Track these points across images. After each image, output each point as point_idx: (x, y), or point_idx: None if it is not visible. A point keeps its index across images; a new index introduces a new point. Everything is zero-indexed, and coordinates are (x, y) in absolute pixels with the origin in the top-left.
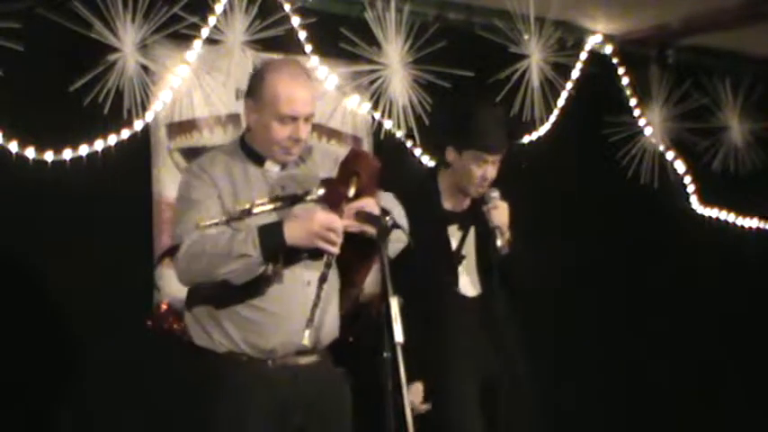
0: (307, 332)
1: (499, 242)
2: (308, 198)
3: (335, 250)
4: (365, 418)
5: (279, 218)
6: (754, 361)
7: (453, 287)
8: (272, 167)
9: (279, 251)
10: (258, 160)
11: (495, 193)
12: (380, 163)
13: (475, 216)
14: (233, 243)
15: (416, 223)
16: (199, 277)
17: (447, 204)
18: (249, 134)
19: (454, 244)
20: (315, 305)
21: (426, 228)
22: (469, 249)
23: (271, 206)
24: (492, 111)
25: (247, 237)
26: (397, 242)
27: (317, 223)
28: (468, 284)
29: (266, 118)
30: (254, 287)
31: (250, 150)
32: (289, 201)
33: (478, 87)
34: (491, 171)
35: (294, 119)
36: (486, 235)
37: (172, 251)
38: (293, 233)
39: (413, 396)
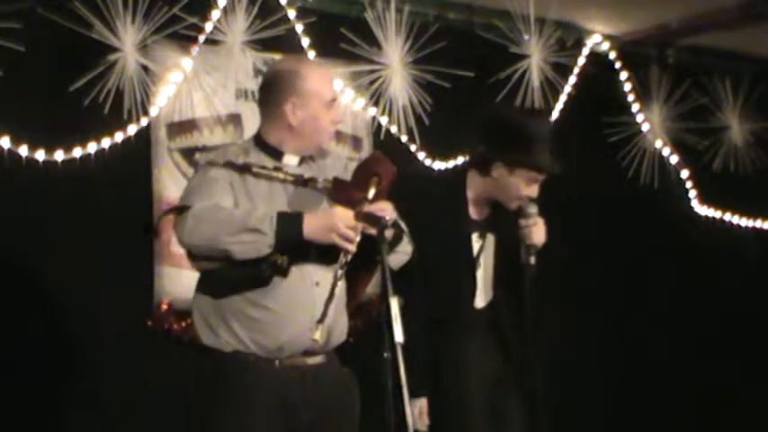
0: (319, 327)
1: (533, 260)
2: (312, 184)
3: (352, 248)
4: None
5: (288, 205)
6: (755, 361)
7: (471, 299)
8: (289, 161)
9: (293, 239)
10: (275, 154)
11: (534, 209)
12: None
13: (494, 224)
14: (248, 217)
15: (443, 231)
16: (201, 240)
17: (470, 211)
18: (266, 130)
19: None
20: (329, 300)
21: (451, 237)
22: (484, 258)
23: (272, 172)
24: (543, 124)
25: (265, 216)
26: (403, 254)
27: (338, 219)
28: (480, 294)
29: (315, 109)
30: (262, 286)
31: (266, 145)
32: (291, 177)
33: (478, 87)
34: (537, 189)
35: (334, 101)
36: (506, 245)
37: (178, 210)
38: (312, 226)
39: (415, 413)
